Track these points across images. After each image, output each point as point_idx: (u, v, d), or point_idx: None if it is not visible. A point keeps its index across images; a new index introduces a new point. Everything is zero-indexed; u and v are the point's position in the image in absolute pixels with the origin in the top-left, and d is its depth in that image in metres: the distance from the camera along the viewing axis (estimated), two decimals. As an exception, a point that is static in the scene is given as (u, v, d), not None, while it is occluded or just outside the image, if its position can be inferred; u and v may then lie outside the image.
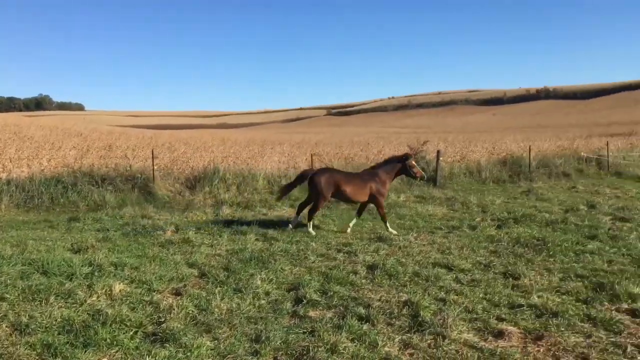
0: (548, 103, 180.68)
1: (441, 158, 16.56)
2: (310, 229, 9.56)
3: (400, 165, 10.00)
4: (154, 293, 6.00)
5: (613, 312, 5.37)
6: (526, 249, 8.10)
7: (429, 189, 15.26)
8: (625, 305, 5.52)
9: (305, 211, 9.90)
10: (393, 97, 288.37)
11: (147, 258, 7.54)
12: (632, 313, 5.34)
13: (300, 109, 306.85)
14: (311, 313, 5.44)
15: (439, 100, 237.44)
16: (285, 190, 10.22)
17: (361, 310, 5.39)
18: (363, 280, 6.57)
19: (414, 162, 10.16)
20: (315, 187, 9.48)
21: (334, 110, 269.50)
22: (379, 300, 5.83)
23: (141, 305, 5.59)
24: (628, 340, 4.70)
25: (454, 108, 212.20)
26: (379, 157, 18.90)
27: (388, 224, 9.72)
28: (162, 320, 5.15)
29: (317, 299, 5.83)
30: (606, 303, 5.62)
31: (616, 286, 5.97)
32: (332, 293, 6.02)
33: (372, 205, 10.29)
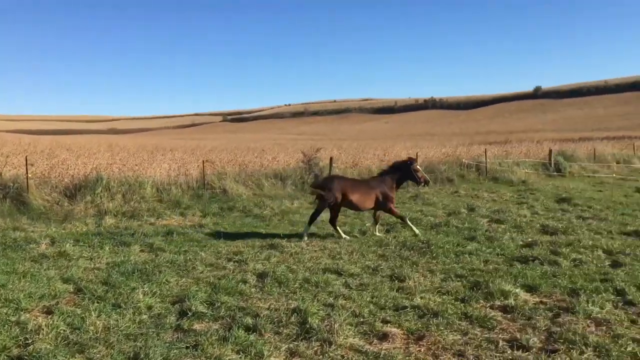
0: (435, 113, 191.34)
1: (334, 165, 16.86)
2: (341, 233, 9.72)
3: (402, 171, 10.09)
4: (22, 312, 5.49)
5: (487, 309, 5.69)
6: (412, 251, 8.41)
7: (322, 195, 15.44)
8: (498, 302, 5.88)
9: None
10: (290, 105, 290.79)
11: (16, 274, 6.90)
12: (504, 309, 5.69)
13: (196, 114, 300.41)
14: (196, 326, 5.24)
15: (335, 108, 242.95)
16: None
17: (249, 320, 5.27)
18: (252, 289, 6.46)
19: (418, 167, 10.24)
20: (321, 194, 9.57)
21: (230, 117, 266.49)
22: (268, 309, 5.75)
23: (6, 326, 5.08)
24: (500, 335, 4.99)
25: (348, 116, 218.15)
26: (274, 164, 18.90)
27: (409, 223, 9.90)
28: (30, 341, 4.71)
29: (204, 310, 5.63)
30: (482, 301, 5.96)
31: (490, 284, 6.35)
32: (219, 304, 5.84)
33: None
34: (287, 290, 6.41)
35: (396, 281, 6.80)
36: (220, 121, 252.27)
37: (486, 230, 10.16)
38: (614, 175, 19.28)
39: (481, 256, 8.08)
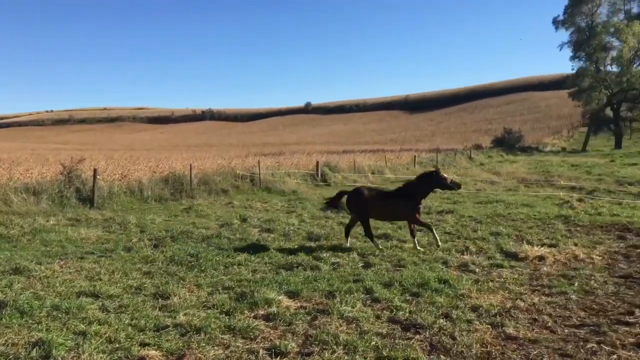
0: (213, 124, 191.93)
1: (99, 177, 15.58)
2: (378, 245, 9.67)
3: (431, 180, 9.80)
4: None
5: (251, 319, 5.72)
6: (180, 266, 8.13)
7: (84, 211, 14.13)
8: (262, 311, 5.97)
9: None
10: (52, 111, 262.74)
11: None
12: (267, 317, 5.80)
13: None
14: None
15: (105, 116, 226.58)
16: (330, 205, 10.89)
17: (-26, 363, 4.44)
18: (-15, 324, 5.48)
19: (444, 175, 9.97)
20: (355, 208, 9.94)
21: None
22: (4, 344, 4.93)
23: None
24: (261, 345, 5.05)
25: (121, 125, 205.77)
26: (27, 176, 16.71)
27: (416, 240, 9.70)
28: None
29: None
30: (246, 311, 5.98)
31: (256, 294, 6.44)
32: (-64, 347, 4.81)
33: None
34: (30, 321, 5.61)
35: (160, 299, 6.47)
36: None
37: (257, 240, 10.37)
38: (369, 184, 21.54)
39: (250, 266, 8.19)
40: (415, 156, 32.79)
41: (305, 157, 32.58)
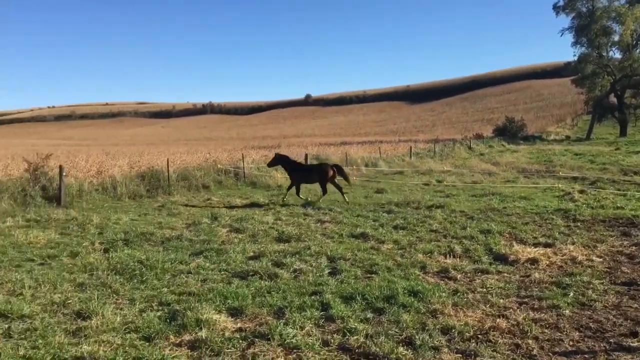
0: (213, 117, 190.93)
1: (65, 174, 14.57)
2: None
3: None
4: None
5: (173, 348, 4.71)
6: (120, 276, 7.13)
7: (49, 210, 13.14)
8: (188, 336, 4.95)
9: None
10: (53, 107, 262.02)
11: None
12: (192, 345, 4.78)
13: None
14: None
15: (107, 112, 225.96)
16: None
17: None
18: None
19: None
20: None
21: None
22: None
23: None
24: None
25: (123, 120, 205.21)
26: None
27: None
28: None
29: None
30: (172, 336, 4.97)
31: (189, 312, 5.43)
32: None
33: None
34: None
35: (79, 319, 5.47)
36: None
37: (222, 242, 9.37)
38: (355, 178, 20.54)
39: (201, 274, 7.19)
40: (411, 147, 31.67)
41: (299, 150, 31.52)
